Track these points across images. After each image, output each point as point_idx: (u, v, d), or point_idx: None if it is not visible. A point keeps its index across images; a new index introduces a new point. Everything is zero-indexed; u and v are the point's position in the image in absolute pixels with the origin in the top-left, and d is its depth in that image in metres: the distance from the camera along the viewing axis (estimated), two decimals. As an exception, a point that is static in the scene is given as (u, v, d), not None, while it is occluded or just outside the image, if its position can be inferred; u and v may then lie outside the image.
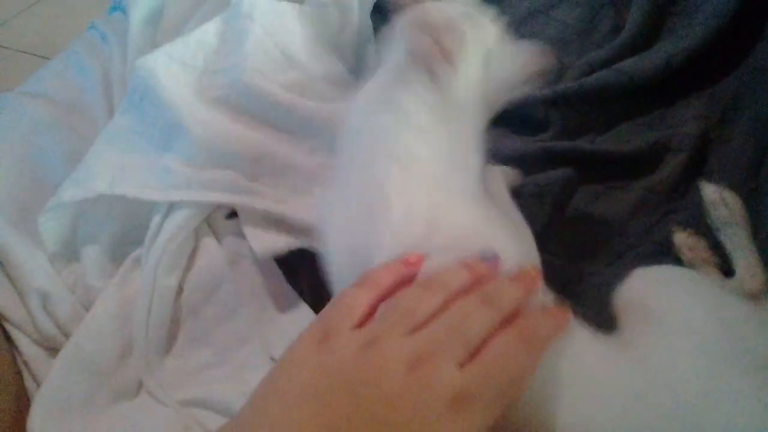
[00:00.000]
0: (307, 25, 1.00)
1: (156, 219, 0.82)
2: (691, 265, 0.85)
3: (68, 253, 0.83)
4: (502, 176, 0.90)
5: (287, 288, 0.81)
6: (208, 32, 0.96)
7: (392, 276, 0.49)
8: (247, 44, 0.91)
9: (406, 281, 0.50)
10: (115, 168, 0.85)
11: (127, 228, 0.85)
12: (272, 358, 0.75)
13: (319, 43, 1.00)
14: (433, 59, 0.63)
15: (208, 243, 0.84)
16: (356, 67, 1.05)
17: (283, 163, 0.87)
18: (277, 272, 0.83)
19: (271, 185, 0.86)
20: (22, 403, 0.72)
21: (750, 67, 1.04)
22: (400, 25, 0.68)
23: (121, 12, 1.21)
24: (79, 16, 1.92)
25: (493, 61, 0.69)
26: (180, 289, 0.81)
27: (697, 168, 0.95)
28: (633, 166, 0.95)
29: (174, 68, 0.90)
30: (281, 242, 0.80)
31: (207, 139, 0.87)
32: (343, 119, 0.70)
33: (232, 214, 0.86)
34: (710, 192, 0.83)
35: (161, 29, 1.15)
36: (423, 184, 0.61)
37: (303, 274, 0.83)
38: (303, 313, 0.79)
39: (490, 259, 0.55)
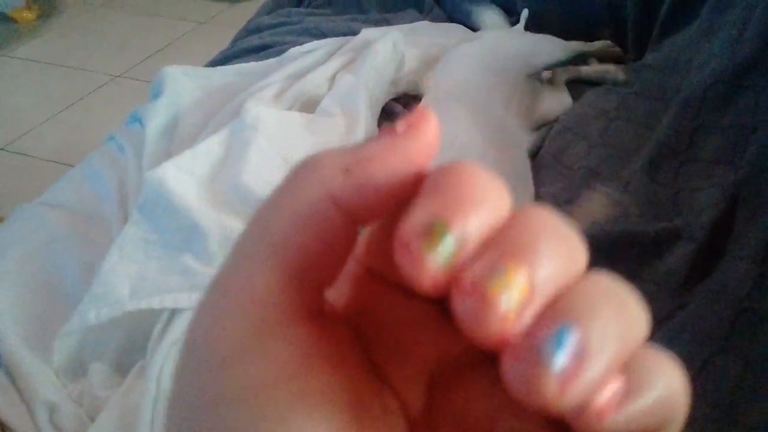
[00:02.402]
0: (314, 133, 1.05)
1: (158, 327, 0.83)
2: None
3: (75, 367, 0.84)
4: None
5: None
6: (213, 143, 1.01)
7: None
8: (249, 152, 0.95)
9: None
10: (133, 279, 0.87)
11: (134, 337, 0.86)
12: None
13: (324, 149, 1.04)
14: None
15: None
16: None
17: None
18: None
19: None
20: None
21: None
22: None
23: (139, 124, 1.27)
24: (103, 124, 2.02)
25: None
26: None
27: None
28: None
29: (183, 178, 0.94)
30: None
31: (224, 237, 0.90)
32: None
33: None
34: None
35: (176, 140, 1.21)
36: None
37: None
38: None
39: None
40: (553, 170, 1.15)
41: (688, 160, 1.17)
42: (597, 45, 1.49)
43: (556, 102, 1.33)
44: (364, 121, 1.09)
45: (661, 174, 1.14)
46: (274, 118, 1.01)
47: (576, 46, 1.44)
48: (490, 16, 1.66)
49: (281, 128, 1.01)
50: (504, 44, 1.39)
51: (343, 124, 1.07)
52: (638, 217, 1.06)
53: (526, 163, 1.20)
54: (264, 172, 0.94)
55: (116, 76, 2.94)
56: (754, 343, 0.85)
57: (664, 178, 1.14)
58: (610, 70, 1.34)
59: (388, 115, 1.19)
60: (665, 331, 0.89)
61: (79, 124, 2.57)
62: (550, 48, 1.39)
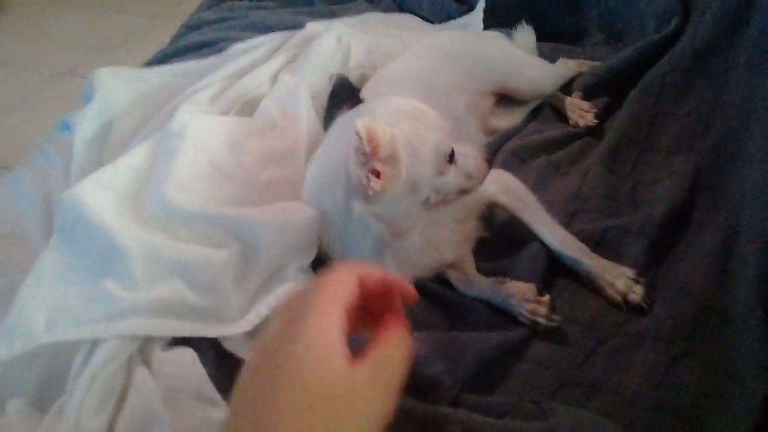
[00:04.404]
0: (249, 137, 0.98)
1: (78, 359, 0.76)
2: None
3: (-10, 407, 0.77)
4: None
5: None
6: (137, 155, 0.94)
7: None
8: (175, 163, 0.88)
9: None
10: (51, 309, 0.80)
11: (54, 370, 0.79)
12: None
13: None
14: None
15: (142, 378, 0.77)
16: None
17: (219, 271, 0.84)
18: (224, 405, 0.77)
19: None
20: None
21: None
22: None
23: (69, 132, 1.19)
24: (50, 125, 1.92)
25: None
26: (110, 432, 0.74)
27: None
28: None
29: (103, 195, 0.87)
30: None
31: (147, 256, 0.83)
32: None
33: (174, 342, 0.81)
34: None
35: (108, 149, 1.13)
36: None
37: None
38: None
39: None
40: (511, 169, 1.10)
41: (647, 150, 1.13)
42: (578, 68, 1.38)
43: (509, 119, 1.27)
44: (306, 123, 1.02)
45: (618, 165, 1.10)
46: (202, 124, 0.94)
47: (563, 73, 1.34)
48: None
49: (211, 134, 0.94)
50: (489, 53, 1.30)
51: (282, 126, 1.00)
52: (593, 212, 1.01)
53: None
54: (192, 183, 0.88)
55: (64, 74, 2.83)
56: (716, 346, 0.81)
57: (622, 170, 1.10)
58: (584, 115, 1.22)
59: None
60: (625, 335, 0.84)
61: (23, 125, 2.46)
62: (538, 75, 1.29)
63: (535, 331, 0.85)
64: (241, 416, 0.48)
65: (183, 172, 0.88)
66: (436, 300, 0.92)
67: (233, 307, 0.83)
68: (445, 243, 0.94)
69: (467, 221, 0.98)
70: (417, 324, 0.88)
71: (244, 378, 0.50)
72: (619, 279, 0.88)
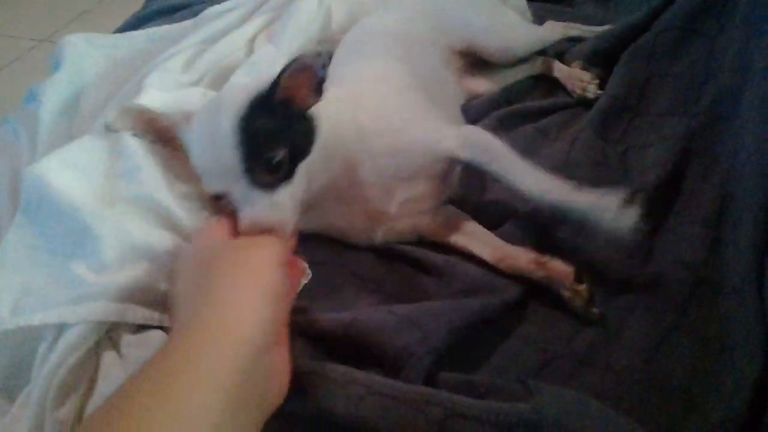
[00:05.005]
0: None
1: (43, 345, 0.73)
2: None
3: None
4: None
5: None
6: (95, 136, 0.88)
7: None
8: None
9: None
10: (17, 292, 0.76)
11: (21, 357, 0.75)
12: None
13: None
14: None
15: (110, 363, 0.74)
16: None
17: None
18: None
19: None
20: None
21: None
22: None
23: (37, 103, 1.14)
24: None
25: None
26: (79, 420, 0.70)
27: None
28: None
29: (69, 173, 0.82)
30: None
31: (118, 238, 0.79)
32: None
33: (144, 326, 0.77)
34: None
35: (78, 120, 1.08)
36: None
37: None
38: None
39: None
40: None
41: (639, 114, 1.09)
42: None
43: (493, 80, 1.22)
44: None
45: (609, 130, 1.06)
46: (169, 99, 0.90)
47: (545, 37, 1.26)
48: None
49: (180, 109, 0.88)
50: (462, 8, 1.22)
51: None
52: (583, 180, 0.97)
53: (458, 113, 1.12)
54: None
55: (41, 41, 2.75)
56: (710, 317, 0.78)
57: (613, 135, 1.06)
58: (586, 87, 1.15)
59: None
60: (616, 307, 0.82)
61: (1, 94, 2.39)
62: (512, 37, 1.22)
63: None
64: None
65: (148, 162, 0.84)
66: (420, 267, 0.89)
67: None
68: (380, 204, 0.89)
69: (416, 181, 0.91)
70: (388, 295, 0.86)
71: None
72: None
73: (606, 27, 1.27)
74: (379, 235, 0.92)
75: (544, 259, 0.83)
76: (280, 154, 0.72)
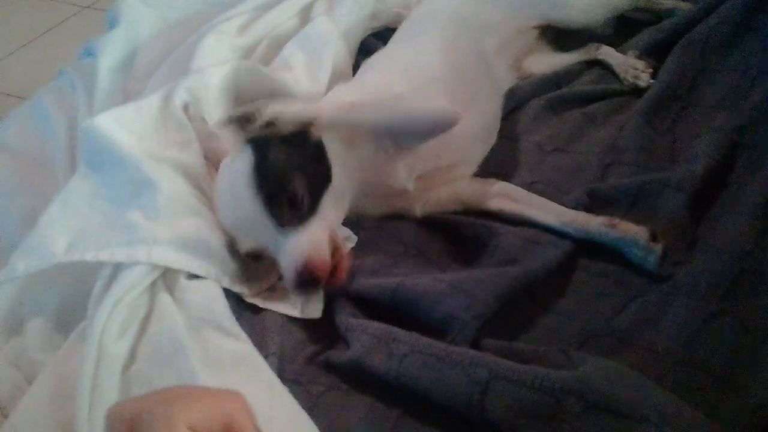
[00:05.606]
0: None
1: (98, 284, 0.75)
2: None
3: (11, 326, 0.77)
4: None
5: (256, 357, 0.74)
6: (154, 100, 0.91)
7: None
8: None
9: None
10: (73, 232, 0.78)
11: (76, 295, 0.78)
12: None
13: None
14: None
15: (165, 305, 0.76)
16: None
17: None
18: (244, 338, 0.76)
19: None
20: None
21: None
22: None
23: (93, 58, 1.16)
24: (70, 59, 1.89)
25: None
26: (132, 358, 0.73)
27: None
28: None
29: (125, 133, 0.85)
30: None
31: (173, 191, 0.82)
32: None
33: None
34: None
35: (132, 77, 1.10)
36: None
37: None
38: (273, 386, 0.71)
39: None
40: (543, 119, 1.07)
41: (689, 105, 1.08)
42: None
43: (544, 66, 1.22)
44: (327, 73, 1.01)
45: (658, 119, 1.06)
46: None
47: (617, 4, 1.24)
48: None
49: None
50: None
51: (304, 80, 0.98)
52: (630, 165, 0.98)
53: (497, 108, 1.11)
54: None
55: (85, 7, 2.78)
56: (753, 307, 0.78)
57: (662, 124, 1.06)
58: (640, 75, 1.14)
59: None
60: (659, 291, 0.82)
61: (44, 58, 2.42)
62: (588, 3, 1.21)
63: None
64: None
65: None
66: (460, 235, 0.91)
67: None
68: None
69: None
70: (430, 261, 0.88)
71: None
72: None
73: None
74: (418, 210, 0.94)
75: (615, 220, 0.84)
76: (297, 181, 0.77)
